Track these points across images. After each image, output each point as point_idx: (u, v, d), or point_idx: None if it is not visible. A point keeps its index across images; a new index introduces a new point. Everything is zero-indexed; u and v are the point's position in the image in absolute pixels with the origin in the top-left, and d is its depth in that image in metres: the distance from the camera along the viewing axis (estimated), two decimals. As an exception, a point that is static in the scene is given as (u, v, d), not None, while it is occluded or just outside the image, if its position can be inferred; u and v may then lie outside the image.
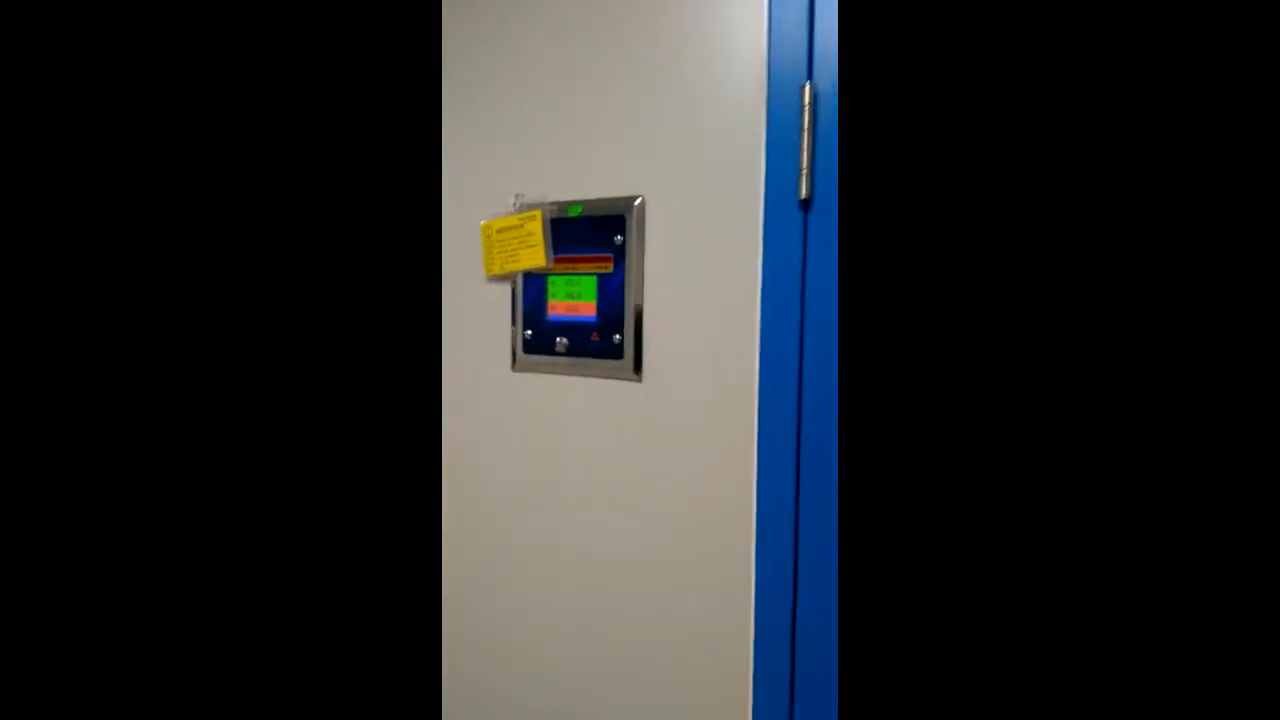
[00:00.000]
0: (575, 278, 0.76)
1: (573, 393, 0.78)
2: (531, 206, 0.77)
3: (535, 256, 0.77)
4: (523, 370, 0.81)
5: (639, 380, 0.73)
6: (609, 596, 0.77)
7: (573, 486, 0.78)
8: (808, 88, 0.60)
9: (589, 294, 0.75)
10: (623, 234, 0.72)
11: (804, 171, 0.61)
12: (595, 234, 0.74)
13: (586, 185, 0.75)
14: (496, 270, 0.80)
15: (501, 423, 0.83)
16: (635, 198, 0.71)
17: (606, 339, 0.74)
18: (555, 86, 0.76)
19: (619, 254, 0.73)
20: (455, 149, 0.84)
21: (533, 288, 0.79)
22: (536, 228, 0.76)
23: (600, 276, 0.74)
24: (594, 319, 0.75)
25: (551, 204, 0.76)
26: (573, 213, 0.75)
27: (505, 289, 0.81)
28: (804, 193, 0.61)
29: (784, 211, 0.63)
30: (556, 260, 0.76)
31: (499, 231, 0.79)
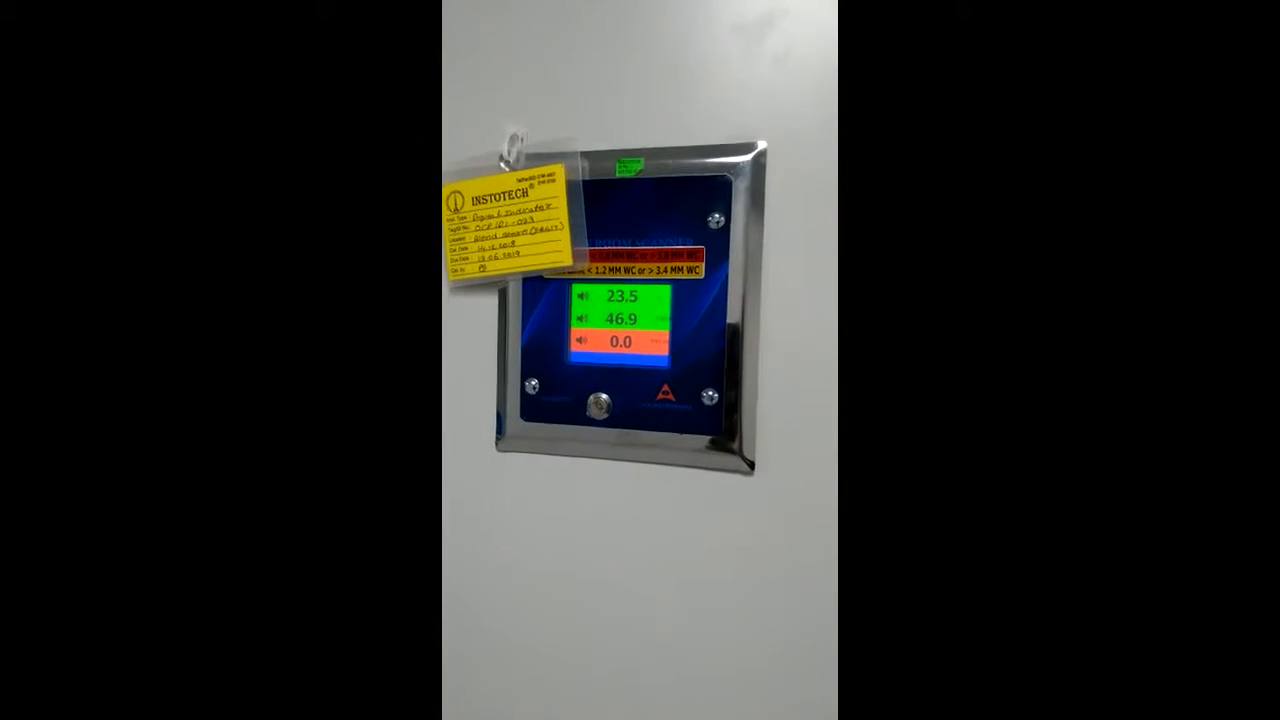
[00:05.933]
0: (629, 287, 0.42)
1: (619, 494, 0.44)
2: (544, 158, 0.43)
3: (553, 249, 0.43)
4: (517, 449, 0.46)
5: (749, 473, 0.41)
6: None
7: (607, 695, 0.44)
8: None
9: (656, 318, 0.42)
10: (725, 211, 0.40)
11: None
12: (671, 211, 0.41)
13: (651, 125, 0.42)
14: (473, 272, 0.45)
15: (474, 545, 0.47)
16: (750, 146, 0.40)
17: (690, 397, 0.41)
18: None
19: (717, 246, 0.41)
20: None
21: (542, 304, 0.44)
22: (557, 196, 0.42)
23: (678, 285, 0.41)
24: (665, 362, 0.42)
25: (583, 155, 0.43)
26: (625, 171, 0.42)
27: (485, 302, 0.46)
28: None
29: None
30: (593, 255, 0.43)
31: (477, 201, 0.44)
